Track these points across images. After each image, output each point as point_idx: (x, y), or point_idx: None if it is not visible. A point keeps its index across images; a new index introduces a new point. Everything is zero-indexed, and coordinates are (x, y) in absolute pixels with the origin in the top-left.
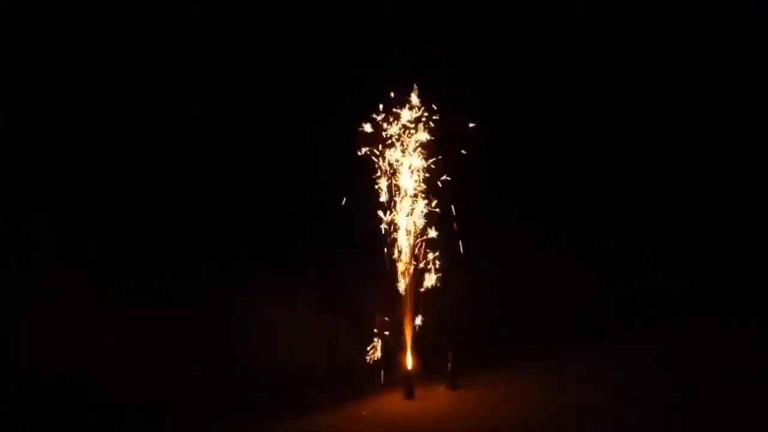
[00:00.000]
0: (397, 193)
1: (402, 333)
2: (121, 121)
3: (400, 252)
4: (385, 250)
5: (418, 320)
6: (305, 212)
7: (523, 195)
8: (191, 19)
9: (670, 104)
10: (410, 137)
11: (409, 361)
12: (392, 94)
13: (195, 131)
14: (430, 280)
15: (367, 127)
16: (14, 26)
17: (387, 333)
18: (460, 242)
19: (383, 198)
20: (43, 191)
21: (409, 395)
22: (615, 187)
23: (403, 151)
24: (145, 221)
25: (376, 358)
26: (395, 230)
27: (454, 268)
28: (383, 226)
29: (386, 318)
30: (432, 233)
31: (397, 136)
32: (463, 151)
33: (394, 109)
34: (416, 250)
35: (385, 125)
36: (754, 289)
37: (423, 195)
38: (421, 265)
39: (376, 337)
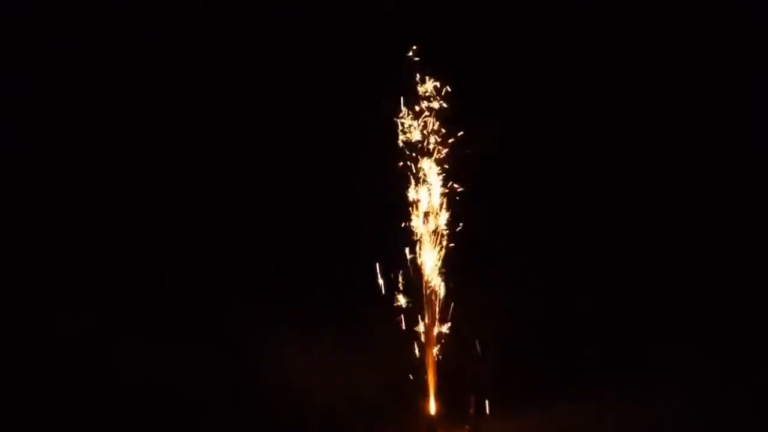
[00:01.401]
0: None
1: (424, 376)
2: (134, 125)
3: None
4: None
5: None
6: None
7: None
8: (193, 19)
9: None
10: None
11: (432, 406)
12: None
13: (221, 143)
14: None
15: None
16: (14, 26)
17: None
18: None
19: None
20: (53, 195)
21: None
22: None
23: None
24: (158, 237)
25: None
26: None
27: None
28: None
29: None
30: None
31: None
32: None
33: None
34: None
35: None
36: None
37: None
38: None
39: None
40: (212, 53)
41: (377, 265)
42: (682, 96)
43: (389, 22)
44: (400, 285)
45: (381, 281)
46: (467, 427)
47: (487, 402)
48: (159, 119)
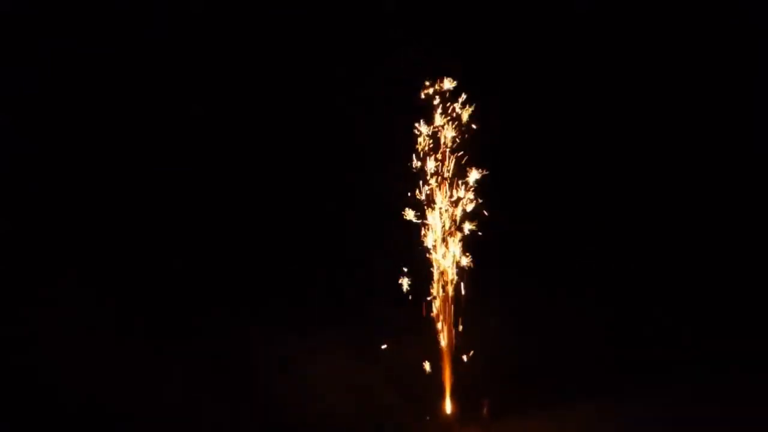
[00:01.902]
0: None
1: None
2: (134, 125)
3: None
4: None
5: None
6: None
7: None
8: (193, 19)
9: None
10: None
11: (449, 407)
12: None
13: (221, 144)
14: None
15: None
16: (14, 26)
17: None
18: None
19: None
20: (53, 195)
21: None
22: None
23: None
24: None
25: None
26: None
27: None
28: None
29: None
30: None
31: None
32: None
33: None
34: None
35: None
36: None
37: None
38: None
39: None
40: (212, 53)
41: (389, 263)
42: (681, 97)
43: (389, 22)
44: (416, 285)
45: (398, 281)
46: (480, 428)
47: (498, 404)
48: (159, 119)
